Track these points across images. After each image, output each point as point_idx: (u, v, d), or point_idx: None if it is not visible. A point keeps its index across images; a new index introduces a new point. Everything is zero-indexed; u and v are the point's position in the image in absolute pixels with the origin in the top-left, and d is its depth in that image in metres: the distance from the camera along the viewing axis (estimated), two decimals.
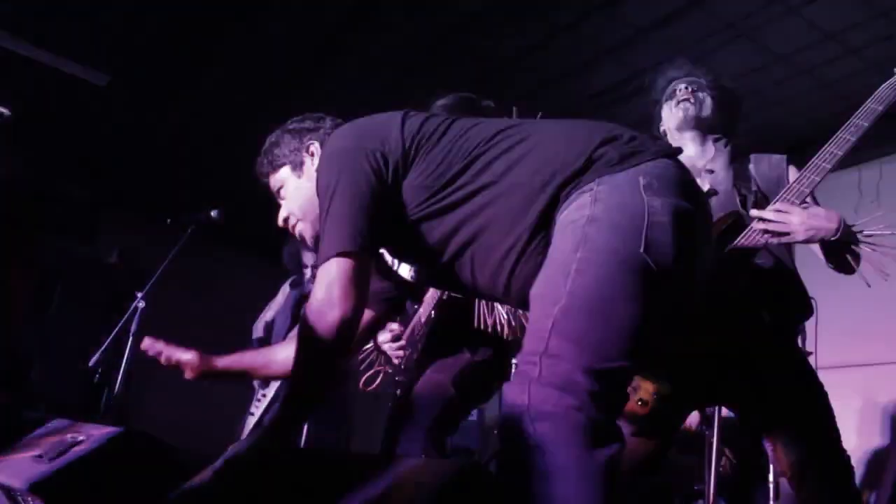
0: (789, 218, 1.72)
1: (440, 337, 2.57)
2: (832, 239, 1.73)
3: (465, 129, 1.40)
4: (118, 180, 6.35)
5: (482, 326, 2.48)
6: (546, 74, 4.36)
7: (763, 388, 1.77)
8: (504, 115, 2.37)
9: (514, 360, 2.47)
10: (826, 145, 1.79)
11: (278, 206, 1.60)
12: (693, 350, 1.71)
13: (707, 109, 1.99)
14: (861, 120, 1.79)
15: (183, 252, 3.32)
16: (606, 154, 1.26)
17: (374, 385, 2.73)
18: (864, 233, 1.78)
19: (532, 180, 1.28)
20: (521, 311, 2.37)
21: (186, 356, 1.67)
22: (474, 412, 3.01)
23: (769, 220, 1.73)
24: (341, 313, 1.31)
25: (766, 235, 1.74)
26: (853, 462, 1.76)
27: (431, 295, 2.60)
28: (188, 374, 1.67)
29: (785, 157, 1.96)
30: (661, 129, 2.10)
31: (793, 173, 1.90)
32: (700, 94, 1.99)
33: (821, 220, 1.73)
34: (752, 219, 1.78)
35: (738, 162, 1.98)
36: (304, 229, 1.57)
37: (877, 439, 3.89)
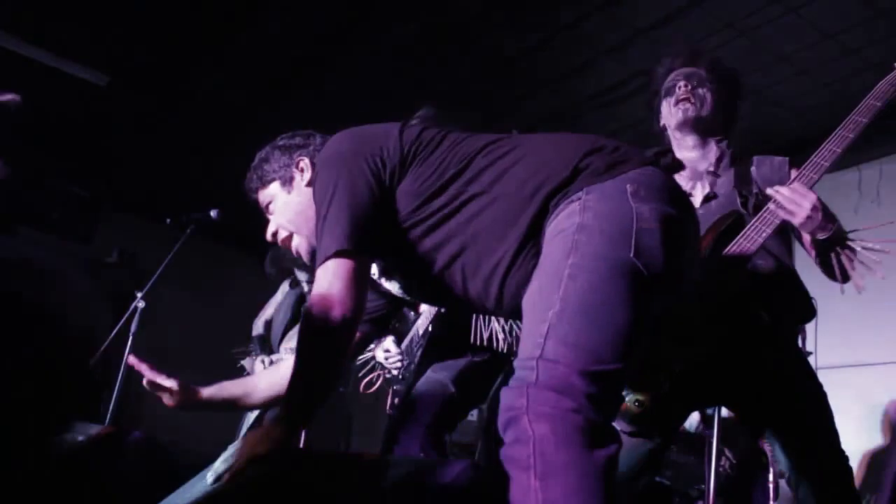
0: (802, 201, 1.71)
1: (438, 350, 2.58)
2: (823, 237, 1.74)
3: (457, 141, 1.43)
4: (118, 180, 6.35)
5: (478, 342, 2.49)
6: (546, 74, 4.36)
7: (762, 388, 1.77)
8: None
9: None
10: (825, 142, 1.79)
11: (267, 222, 1.61)
12: (692, 351, 1.71)
13: (707, 107, 1.96)
14: (860, 116, 1.79)
15: (183, 252, 3.33)
16: (593, 163, 1.29)
17: (373, 388, 2.73)
18: (858, 242, 1.78)
19: (521, 190, 1.31)
20: (515, 327, 2.38)
21: (168, 383, 1.65)
22: (474, 412, 3.01)
23: (783, 195, 1.73)
24: (342, 312, 1.32)
25: (764, 234, 1.74)
26: (853, 462, 1.76)
27: (429, 308, 2.61)
28: (168, 402, 1.64)
29: (787, 159, 1.95)
30: (661, 123, 2.08)
31: (794, 175, 1.90)
32: (700, 91, 1.97)
33: (824, 215, 1.73)
34: (753, 220, 1.77)
35: (739, 163, 1.97)
36: (298, 244, 1.58)
37: (877, 439, 3.89)
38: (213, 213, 3.27)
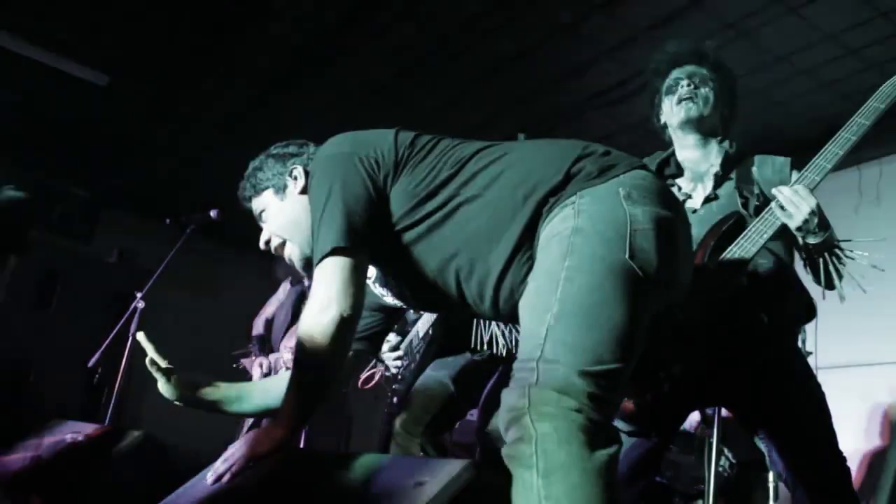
0: (802, 204, 1.72)
1: (438, 353, 2.58)
2: (813, 241, 1.75)
3: (450, 146, 1.45)
4: (118, 180, 6.35)
5: (478, 346, 2.49)
6: (546, 74, 4.36)
7: (761, 390, 1.77)
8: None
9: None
10: (827, 144, 1.79)
11: (256, 237, 1.62)
12: (692, 352, 1.71)
13: (709, 107, 1.97)
14: (863, 119, 1.79)
15: (183, 252, 3.33)
16: (585, 168, 1.32)
17: (370, 384, 2.73)
18: (847, 252, 1.79)
19: (514, 194, 1.33)
20: (515, 331, 2.38)
21: (166, 365, 1.65)
22: (474, 411, 3.01)
23: (784, 196, 1.73)
24: (339, 310, 1.32)
25: (765, 235, 1.74)
26: (852, 463, 1.76)
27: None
28: (163, 389, 1.63)
29: (789, 160, 1.95)
30: (662, 121, 2.08)
31: (796, 177, 1.90)
32: (703, 90, 1.97)
33: (820, 221, 1.74)
34: (754, 221, 1.77)
35: (740, 163, 1.97)
36: (291, 251, 1.58)
37: (877, 440, 3.89)
38: (212, 213, 3.28)
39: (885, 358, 4.03)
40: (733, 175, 1.94)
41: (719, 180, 1.95)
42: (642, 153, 2.12)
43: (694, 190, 1.96)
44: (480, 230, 1.35)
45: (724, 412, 2.35)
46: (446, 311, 1.52)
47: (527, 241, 1.31)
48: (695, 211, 1.92)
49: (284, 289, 4.03)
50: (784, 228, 1.76)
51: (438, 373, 2.49)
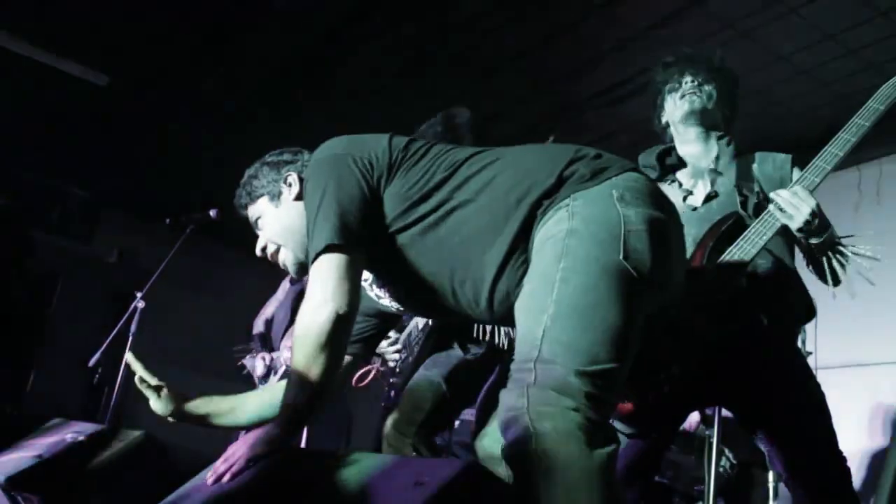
0: (802, 206, 1.72)
1: (437, 345, 2.57)
2: (815, 242, 1.76)
3: (443, 151, 1.47)
4: (118, 180, 6.35)
5: (481, 336, 2.48)
6: (546, 74, 4.36)
7: (761, 390, 1.77)
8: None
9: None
10: (827, 146, 1.79)
11: (256, 237, 1.63)
12: (692, 352, 1.71)
13: (712, 102, 1.98)
14: (862, 120, 1.79)
15: (183, 252, 3.33)
16: (577, 171, 1.33)
17: (364, 382, 2.72)
18: (850, 248, 1.79)
19: (507, 198, 1.34)
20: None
21: (156, 382, 1.64)
22: (471, 411, 3.01)
23: (783, 199, 1.74)
24: (335, 308, 1.33)
25: (765, 237, 1.74)
26: (853, 462, 1.76)
27: None
28: (154, 406, 1.64)
29: (790, 157, 1.96)
30: (664, 120, 2.09)
31: (796, 175, 1.90)
32: (706, 87, 1.98)
33: (820, 221, 1.74)
34: (754, 222, 1.77)
35: (741, 160, 1.97)
36: (285, 257, 1.59)
37: (877, 439, 3.88)
38: (212, 213, 3.28)
39: (885, 358, 4.03)
40: (734, 172, 1.95)
41: (719, 177, 1.95)
42: (642, 153, 2.12)
43: (695, 186, 1.96)
44: (474, 234, 1.36)
45: (724, 412, 2.36)
46: (442, 314, 1.53)
47: (521, 244, 1.32)
48: (695, 208, 1.92)
49: (283, 288, 4.03)
50: (784, 228, 1.76)
51: (430, 372, 2.48)
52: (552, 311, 1.17)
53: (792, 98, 4.33)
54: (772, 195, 1.77)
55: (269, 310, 4.03)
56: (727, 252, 1.77)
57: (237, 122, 5.26)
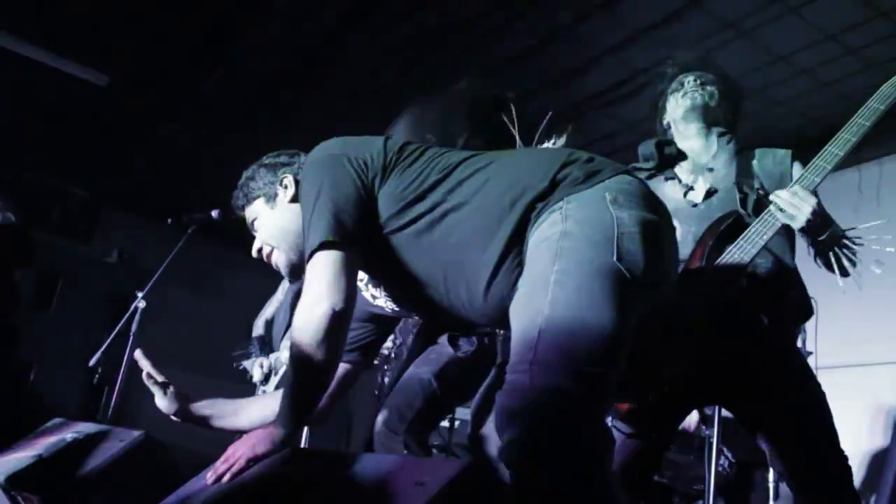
0: (802, 205, 1.72)
1: (428, 340, 2.56)
2: (820, 238, 1.76)
3: (438, 153, 1.48)
4: (118, 180, 6.35)
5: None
6: (546, 74, 4.36)
7: (761, 390, 1.77)
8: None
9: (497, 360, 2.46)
10: (827, 145, 1.79)
11: (252, 238, 1.64)
12: (693, 353, 1.71)
13: (714, 101, 1.99)
14: (863, 119, 1.79)
15: (183, 252, 3.33)
16: (571, 174, 1.34)
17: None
18: (855, 240, 1.79)
19: (501, 200, 1.35)
20: None
21: (163, 379, 1.66)
22: (468, 411, 3.01)
23: (783, 199, 1.74)
24: (330, 304, 1.33)
25: (765, 237, 1.74)
26: (853, 462, 1.76)
27: None
28: (159, 403, 1.65)
29: (790, 152, 1.96)
30: (665, 121, 2.09)
31: (797, 169, 1.90)
32: (709, 87, 1.99)
33: (823, 219, 1.74)
34: (754, 222, 1.77)
35: (741, 157, 1.97)
36: (278, 258, 1.60)
37: (877, 439, 3.89)
38: (214, 214, 3.27)
39: (885, 358, 4.03)
40: (734, 169, 1.95)
41: (719, 174, 1.95)
42: None
43: (695, 182, 1.96)
44: (468, 236, 1.36)
45: (724, 412, 2.36)
46: (437, 315, 1.53)
47: (515, 247, 1.33)
48: (695, 205, 1.92)
49: (283, 288, 4.03)
50: (784, 227, 1.76)
51: (421, 370, 2.48)
52: (547, 312, 1.18)
53: (792, 98, 4.34)
54: (772, 197, 1.77)
55: (268, 310, 4.04)
56: (727, 251, 1.77)
57: (237, 123, 5.26)
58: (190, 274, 5.30)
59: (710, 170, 1.96)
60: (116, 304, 4.31)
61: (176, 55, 4.61)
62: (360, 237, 1.39)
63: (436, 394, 2.42)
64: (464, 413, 3.21)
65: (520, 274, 1.30)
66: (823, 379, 1.82)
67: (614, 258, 1.21)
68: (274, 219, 1.59)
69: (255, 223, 1.63)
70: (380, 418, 2.43)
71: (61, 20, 4.36)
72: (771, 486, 2.94)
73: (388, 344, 2.64)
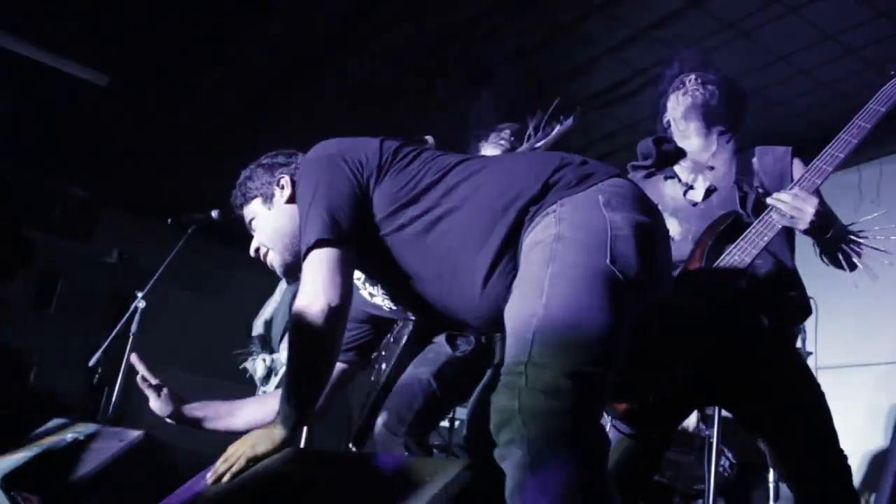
0: (805, 207, 1.72)
1: (425, 338, 2.55)
2: (826, 237, 1.76)
3: (433, 156, 1.49)
4: (118, 180, 6.35)
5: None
6: (546, 74, 4.36)
7: (761, 391, 1.77)
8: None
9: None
10: (828, 147, 1.79)
11: (251, 238, 1.64)
12: (693, 354, 1.71)
13: (715, 99, 1.98)
14: (863, 121, 1.79)
15: (183, 252, 3.32)
16: (564, 177, 1.35)
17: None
18: (861, 233, 1.79)
19: (494, 204, 1.36)
20: None
21: (157, 382, 1.67)
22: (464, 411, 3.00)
23: (784, 203, 1.73)
24: (326, 301, 1.33)
25: (765, 238, 1.74)
26: (853, 463, 1.76)
27: None
28: (154, 405, 1.66)
29: (789, 149, 1.96)
30: (665, 120, 2.09)
31: (797, 166, 1.90)
32: (710, 87, 1.99)
33: (826, 218, 1.74)
34: (754, 223, 1.77)
35: (740, 155, 1.97)
36: (273, 259, 1.61)
37: (877, 439, 3.89)
38: (214, 214, 3.27)
39: (885, 358, 4.03)
40: (733, 168, 1.94)
41: (718, 172, 1.95)
42: None
43: (695, 181, 1.96)
44: (462, 240, 1.37)
45: (724, 412, 2.35)
46: (432, 315, 1.55)
47: (509, 251, 1.34)
48: (695, 204, 1.92)
49: (281, 289, 4.02)
50: (785, 227, 1.75)
51: (419, 370, 2.47)
52: (542, 314, 1.19)
53: (792, 98, 4.34)
54: (771, 200, 1.76)
55: (267, 311, 4.03)
56: (727, 252, 1.77)
57: (237, 123, 5.26)
58: (190, 274, 5.29)
59: (711, 168, 1.96)
60: (116, 304, 4.31)
61: (176, 55, 4.61)
62: (355, 236, 1.40)
63: (435, 394, 2.42)
64: (464, 413, 3.21)
65: (514, 277, 1.32)
66: (823, 379, 1.82)
67: (607, 260, 1.23)
68: (270, 219, 1.60)
69: (253, 223, 1.64)
70: (379, 420, 2.42)
71: (61, 20, 4.36)
72: (771, 486, 2.94)
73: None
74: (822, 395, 1.77)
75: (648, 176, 2.02)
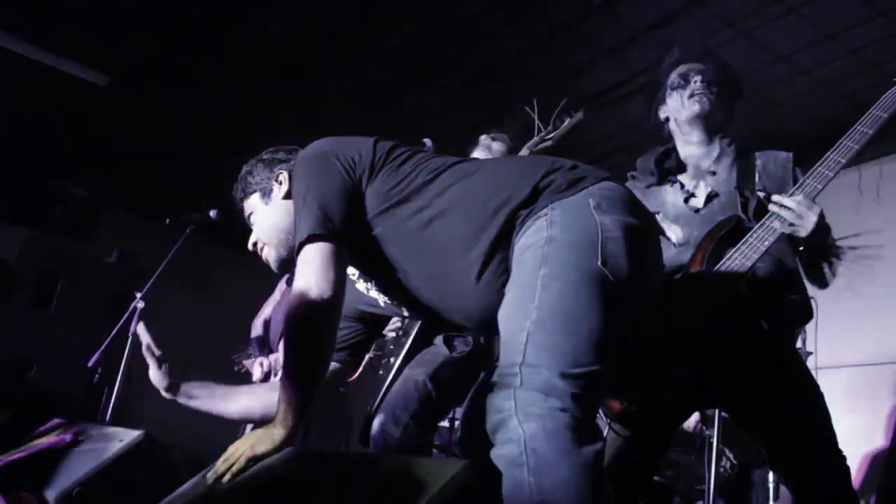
0: (808, 214, 1.71)
1: (424, 340, 2.55)
2: (816, 247, 1.77)
3: (426, 157, 1.51)
4: (118, 180, 6.35)
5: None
6: (546, 74, 4.36)
7: (760, 392, 1.77)
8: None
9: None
10: (830, 152, 1.78)
11: (250, 231, 1.66)
12: (693, 356, 1.71)
13: (718, 104, 1.97)
14: (865, 127, 1.79)
15: (183, 252, 3.33)
16: (555, 181, 1.37)
17: (354, 376, 2.69)
18: (847, 248, 1.80)
19: (485, 208, 1.38)
20: None
21: (160, 354, 1.67)
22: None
23: (787, 209, 1.73)
24: (319, 293, 1.35)
25: (766, 242, 1.73)
26: (853, 462, 1.76)
27: None
28: (154, 376, 1.66)
29: (791, 156, 1.95)
30: (664, 115, 2.06)
31: (799, 175, 1.90)
32: (714, 89, 1.97)
33: (825, 230, 1.74)
34: (755, 227, 1.77)
35: (741, 160, 1.97)
36: (268, 253, 1.63)
37: (876, 439, 3.89)
38: (212, 214, 3.27)
39: (885, 358, 4.04)
40: (735, 173, 1.94)
41: (721, 178, 1.94)
42: (642, 153, 2.12)
43: (696, 187, 1.96)
44: (452, 242, 1.39)
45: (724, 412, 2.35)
46: (425, 314, 1.55)
47: (499, 253, 1.36)
48: (698, 210, 1.92)
49: (280, 289, 4.03)
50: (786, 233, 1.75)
51: (415, 371, 2.47)
52: (535, 316, 1.21)
53: (792, 98, 4.34)
54: (772, 207, 1.76)
55: (266, 311, 4.04)
56: (728, 255, 1.77)
57: (237, 122, 5.26)
58: (189, 274, 5.30)
59: (712, 173, 1.96)
60: (116, 304, 4.31)
61: (176, 55, 4.61)
62: (347, 232, 1.41)
63: (430, 396, 2.42)
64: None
65: (505, 280, 1.33)
66: (823, 379, 1.82)
67: (599, 262, 1.25)
68: (267, 215, 1.62)
69: (252, 217, 1.66)
70: (376, 421, 2.42)
71: (61, 20, 4.37)
72: (771, 486, 2.94)
73: (399, 324, 2.60)
74: (821, 395, 1.77)
75: (649, 186, 2.02)
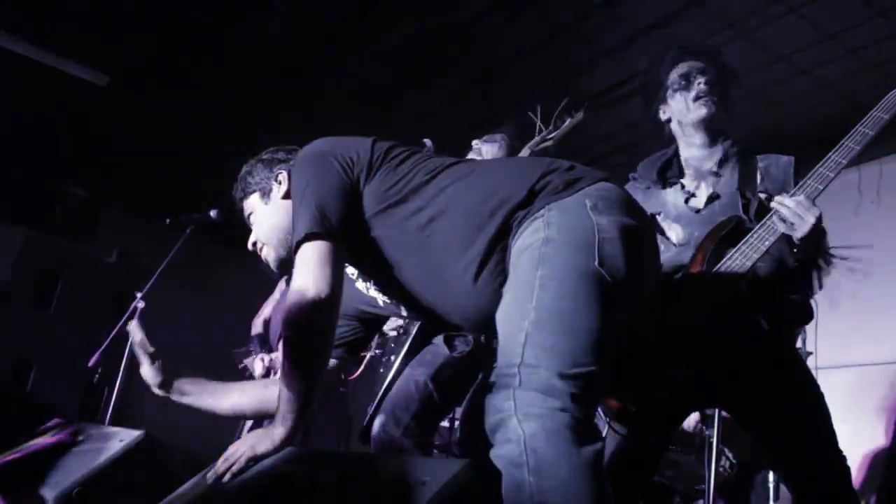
0: (807, 215, 1.71)
1: (424, 340, 2.55)
2: (809, 250, 1.76)
3: (424, 158, 1.52)
4: (118, 180, 6.35)
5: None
6: (546, 74, 4.36)
7: (760, 392, 1.77)
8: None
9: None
10: (831, 153, 1.78)
11: (250, 231, 1.67)
12: (693, 356, 1.71)
13: (721, 106, 1.96)
14: (867, 129, 1.79)
15: (183, 252, 3.33)
16: (551, 182, 1.38)
17: (355, 374, 2.69)
18: (839, 257, 1.80)
19: (482, 209, 1.38)
20: None
21: (153, 350, 1.68)
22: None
23: (788, 208, 1.72)
24: (317, 291, 1.35)
25: (766, 242, 1.73)
26: (853, 462, 1.75)
27: None
28: (145, 372, 1.67)
29: (792, 159, 1.95)
30: (665, 116, 2.05)
31: (798, 185, 1.89)
32: (716, 89, 1.96)
33: (821, 233, 1.74)
34: (756, 227, 1.77)
35: (743, 162, 1.96)
36: (267, 253, 1.64)
37: (877, 439, 3.89)
38: (212, 214, 3.27)
39: (885, 358, 4.03)
40: (736, 175, 1.94)
41: (722, 179, 1.94)
42: (642, 153, 2.12)
43: (698, 188, 1.95)
44: (449, 243, 1.39)
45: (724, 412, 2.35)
46: (423, 314, 1.56)
47: (496, 254, 1.36)
48: (698, 211, 1.92)
49: (280, 288, 4.03)
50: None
51: (416, 372, 2.47)
52: (533, 317, 1.21)
53: (792, 98, 4.34)
54: (774, 204, 1.75)
55: (266, 310, 4.04)
56: (728, 255, 1.77)
57: (237, 122, 5.26)
58: (189, 274, 5.30)
59: (715, 175, 1.95)
60: (116, 305, 4.31)
61: (176, 55, 4.61)
62: (344, 230, 1.42)
63: (431, 396, 2.42)
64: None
65: (503, 281, 1.34)
66: (823, 379, 1.82)
67: (595, 262, 1.25)
68: (266, 214, 1.63)
69: (251, 217, 1.66)
70: (376, 422, 2.42)
71: (61, 20, 4.36)
72: (771, 486, 2.94)
73: (400, 321, 2.60)
74: (821, 395, 1.77)
75: (649, 187, 2.02)
